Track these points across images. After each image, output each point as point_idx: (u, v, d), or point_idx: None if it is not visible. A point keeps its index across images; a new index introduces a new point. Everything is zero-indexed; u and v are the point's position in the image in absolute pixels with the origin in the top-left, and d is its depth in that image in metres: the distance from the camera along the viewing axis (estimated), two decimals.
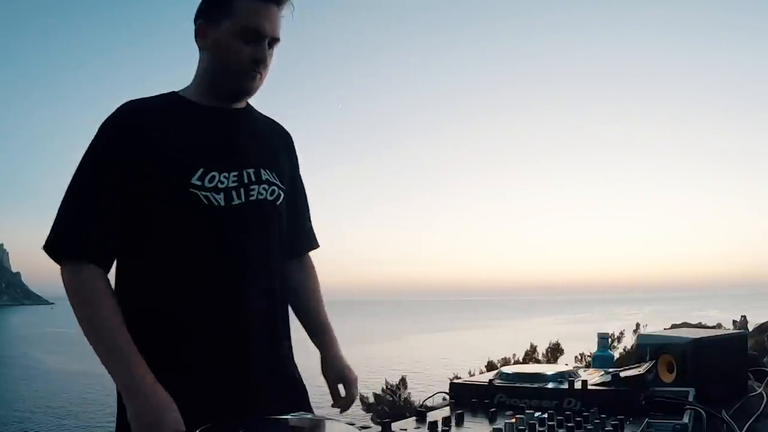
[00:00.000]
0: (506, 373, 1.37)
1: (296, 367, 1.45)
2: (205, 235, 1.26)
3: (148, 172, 1.24)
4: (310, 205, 1.60)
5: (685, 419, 1.14)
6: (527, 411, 1.08)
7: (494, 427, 0.97)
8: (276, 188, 1.38)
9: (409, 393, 8.08)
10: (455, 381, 1.39)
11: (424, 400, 1.79)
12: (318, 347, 1.51)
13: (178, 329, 1.25)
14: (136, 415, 1.13)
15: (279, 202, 1.39)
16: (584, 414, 1.06)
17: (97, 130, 1.29)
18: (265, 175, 1.36)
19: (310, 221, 1.58)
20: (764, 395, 1.52)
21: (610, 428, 0.98)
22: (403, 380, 8.18)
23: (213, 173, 1.27)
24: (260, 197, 1.33)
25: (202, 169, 1.25)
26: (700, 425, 1.20)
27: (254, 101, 1.45)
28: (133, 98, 1.34)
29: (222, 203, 1.27)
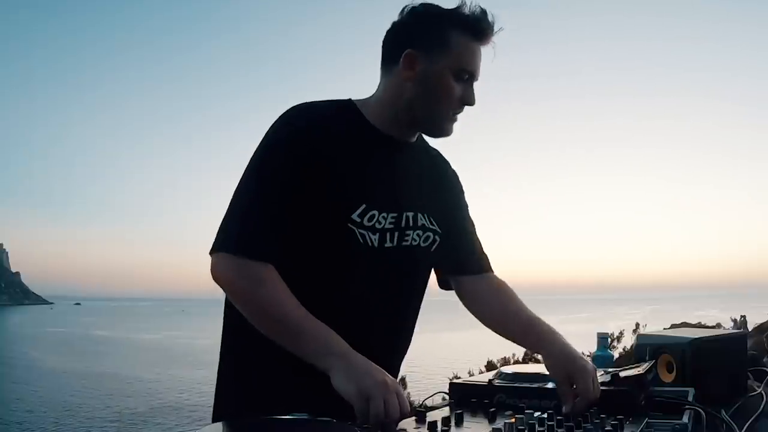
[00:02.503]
0: (506, 372, 1.37)
1: None
2: (349, 271, 1.23)
3: (313, 194, 1.19)
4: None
5: (685, 419, 1.14)
6: (527, 411, 1.08)
7: (494, 427, 0.97)
8: (431, 234, 1.34)
9: (409, 393, 8.10)
10: (455, 381, 1.38)
11: (424, 400, 1.79)
12: (535, 347, 1.33)
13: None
14: (344, 370, 1.07)
15: (433, 248, 1.35)
16: (584, 414, 1.06)
17: (270, 134, 1.23)
18: (422, 220, 1.31)
19: (481, 248, 1.50)
20: (764, 395, 1.52)
21: (610, 428, 0.98)
22: (402, 380, 8.19)
23: (373, 212, 1.23)
24: (414, 243, 1.30)
25: (364, 206, 1.21)
26: (700, 425, 1.20)
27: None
28: (302, 103, 1.28)
29: (375, 244, 1.23)
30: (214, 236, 1.20)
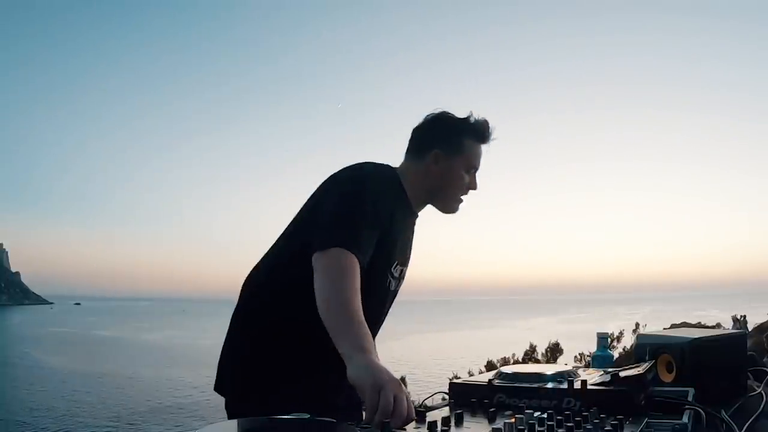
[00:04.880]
0: (506, 372, 1.37)
1: None
2: (374, 301, 1.59)
3: (378, 239, 1.52)
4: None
5: (685, 419, 1.14)
6: (527, 411, 1.08)
7: (494, 427, 0.97)
8: (402, 280, 1.77)
9: (409, 393, 8.08)
10: (455, 381, 1.39)
11: (424, 400, 1.79)
12: None
13: (303, 341, 1.53)
14: (360, 366, 1.20)
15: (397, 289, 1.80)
16: (584, 414, 1.06)
17: (359, 173, 1.60)
18: (404, 271, 1.77)
19: None
20: (764, 395, 1.52)
21: (610, 428, 0.98)
22: (402, 380, 8.19)
23: (398, 266, 1.69)
24: (398, 287, 1.76)
25: (397, 262, 1.68)
26: (700, 425, 1.20)
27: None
28: (371, 162, 1.68)
29: (392, 288, 1.71)
30: (322, 233, 1.44)
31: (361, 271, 1.41)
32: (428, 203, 1.75)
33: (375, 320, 1.62)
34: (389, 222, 1.57)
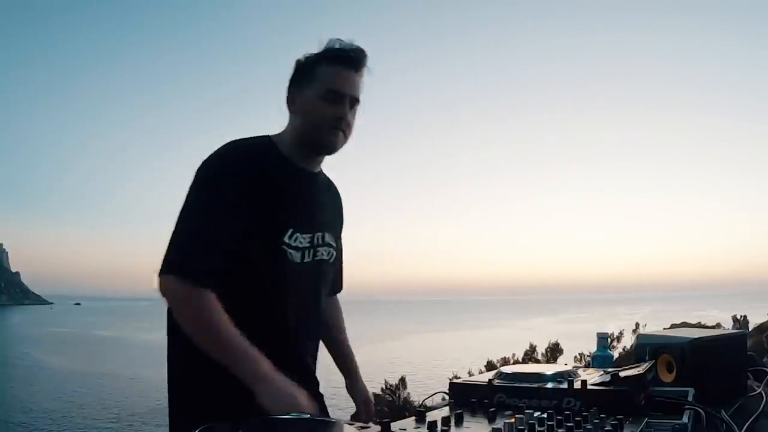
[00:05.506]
0: (505, 372, 1.37)
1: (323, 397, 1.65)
2: (278, 283, 1.47)
3: (247, 222, 1.40)
4: None
5: (685, 419, 1.14)
6: (527, 411, 1.08)
7: (493, 427, 0.97)
8: (332, 250, 1.62)
9: (409, 393, 8.09)
10: (455, 381, 1.39)
11: (424, 400, 1.79)
12: (345, 374, 1.80)
13: (258, 340, 1.38)
14: (271, 394, 1.22)
15: (332, 261, 1.63)
16: (584, 414, 1.06)
17: (211, 167, 1.44)
18: (327, 238, 1.59)
19: (341, 267, 1.81)
20: (763, 395, 1.52)
21: (610, 428, 0.98)
22: (402, 380, 8.18)
23: (297, 234, 1.49)
24: (322, 258, 1.57)
25: (291, 230, 1.47)
26: (700, 425, 1.20)
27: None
28: (232, 140, 1.49)
29: (297, 260, 1.49)
30: (163, 257, 1.36)
31: (218, 277, 1.34)
32: (313, 152, 1.55)
33: (298, 298, 1.50)
34: (256, 194, 1.41)
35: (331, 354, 1.80)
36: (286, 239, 1.46)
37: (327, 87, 1.47)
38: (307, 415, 1.02)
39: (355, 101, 1.52)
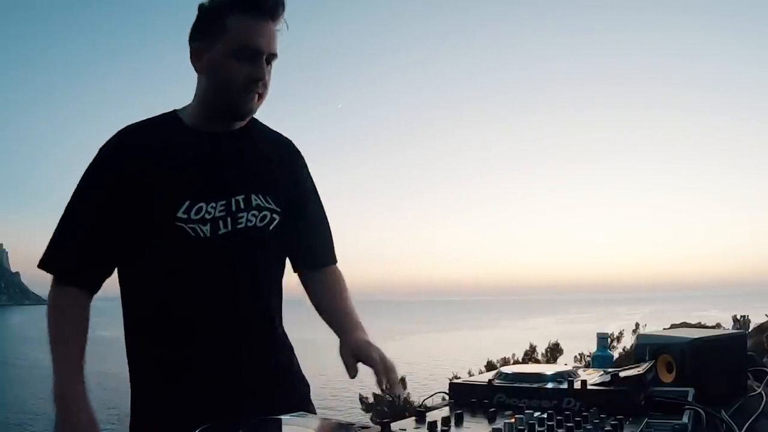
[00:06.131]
0: (505, 373, 1.37)
1: (298, 371, 1.48)
2: (189, 264, 1.28)
3: (136, 201, 1.27)
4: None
5: (685, 419, 1.14)
6: (526, 411, 1.08)
7: (493, 427, 0.97)
8: (268, 213, 1.36)
9: (409, 393, 8.07)
10: (455, 381, 1.38)
11: (424, 400, 1.79)
12: (337, 332, 1.42)
13: (169, 340, 1.31)
14: (58, 426, 1.22)
15: (272, 226, 1.37)
16: (583, 414, 1.06)
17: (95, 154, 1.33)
18: (255, 200, 1.34)
19: (324, 236, 1.54)
20: (763, 395, 1.52)
21: (610, 428, 0.98)
22: (402, 380, 8.16)
23: (200, 204, 1.27)
24: (249, 224, 1.32)
25: (188, 202, 1.26)
26: (700, 425, 1.20)
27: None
28: (135, 121, 1.36)
29: (208, 234, 1.27)
30: (45, 254, 1.32)
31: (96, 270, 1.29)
32: (224, 118, 1.35)
33: (213, 287, 1.29)
34: (135, 175, 1.26)
35: (327, 323, 1.47)
36: (180, 214, 1.25)
37: (239, 43, 1.25)
38: (309, 415, 1.02)
39: (272, 57, 1.30)
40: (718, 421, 1.24)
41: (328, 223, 1.55)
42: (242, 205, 1.32)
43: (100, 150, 1.32)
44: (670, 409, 1.24)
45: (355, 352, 1.34)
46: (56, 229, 1.31)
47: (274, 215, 1.37)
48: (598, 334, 1.97)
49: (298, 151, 1.50)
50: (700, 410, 1.24)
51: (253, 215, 1.33)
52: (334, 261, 1.54)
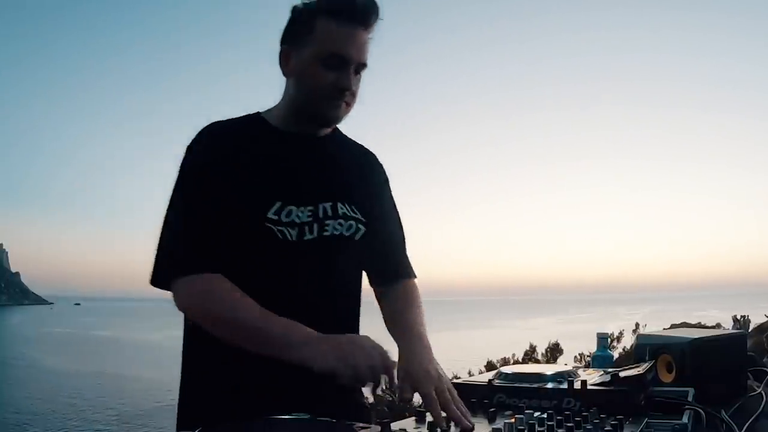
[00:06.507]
0: (505, 373, 1.37)
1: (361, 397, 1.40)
2: (274, 266, 1.26)
3: (228, 200, 1.23)
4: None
5: (685, 419, 1.14)
6: (526, 411, 1.08)
7: (494, 427, 0.97)
8: (354, 222, 1.35)
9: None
10: (454, 381, 1.38)
11: None
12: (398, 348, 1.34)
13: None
14: (329, 352, 1.06)
15: (358, 236, 1.35)
16: (583, 414, 1.06)
17: (187, 155, 1.29)
18: (342, 209, 1.33)
19: (401, 251, 1.51)
20: (763, 395, 1.52)
21: (610, 428, 0.98)
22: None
23: (290, 207, 1.25)
24: (335, 232, 1.31)
25: (279, 203, 1.25)
26: (700, 425, 1.20)
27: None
28: (218, 120, 1.33)
29: (294, 238, 1.25)
30: (154, 266, 1.25)
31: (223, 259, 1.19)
32: (310, 123, 1.33)
33: (304, 287, 1.27)
34: (230, 171, 1.24)
35: (392, 337, 1.37)
36: (271, 215, 1.23)
37: (327, 50, 1.22)
38: (307, 415, 1.02)
39: (361, 67, 1.27)
40: (718, 421, 1.24)
41: (404, 237, 1.53)
42: (329, 213, 1.31)
43: (192, 149, 1.29)
44: (670, 409, 1.24)
45: (414, 385, 1.17)
46: (177, 233, 1.24)
47: (360, 225, 1.36)
48: (598, 334, 1.97)
49: (381, 164, 1.51)
50: (700, 410, 1.24)
51: (340, 224, 1.32)
52: (408, 275, 1.51)
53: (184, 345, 1.35)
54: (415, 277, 1.52)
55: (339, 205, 1.33)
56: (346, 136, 1.46)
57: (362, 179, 1.42)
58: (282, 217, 1.24)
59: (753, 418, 1.31)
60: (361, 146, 1.49)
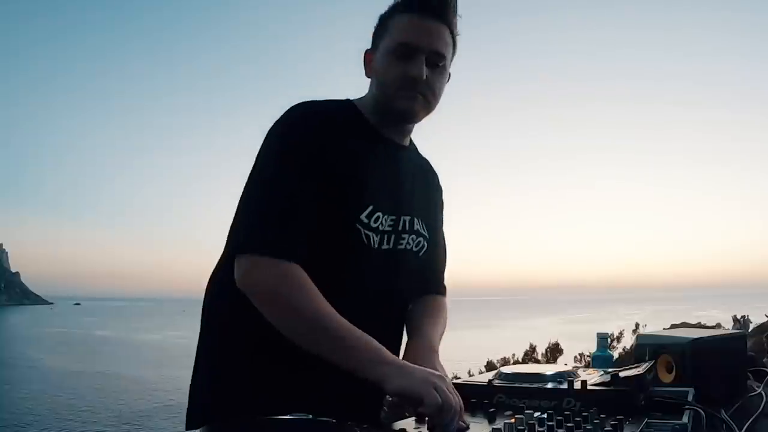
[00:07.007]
0: (505, 373, 1.36)
1: None
2: (348, 267, 1.24)
3: (328, 192, 1.20)
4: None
5: (685, 419, 1.14)
6: (527, 411, 1.08)
7: (494, 427, 0.97)
8: (422, 240, 1.37)
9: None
10: (454, 381, 1.38)
11: None
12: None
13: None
14: (407, 372, 1.06)
15: (422, 253, 1.38)
16: (583, 414, 1.06)
17: (282, 132, 1.23)
18: (416, 224, 1.35)
19: (441, 270, 1.53)
20: (764, 395, 1.52)
21: (610, 428, 0.98)
22: None
23: (378, 213, 1.25)
24: (407, 247, 1.33)
25: (371, 207, 1.24)
26: (700, 425, 1.20)
27: None
28: (306, 100, 1.28)
29: (375, 245, 1.25)
30: (237, 234, 1.18)
31: (304, 257, 1.14)
32: (391, 120, 1.32)
33: (366, 295, 1.26)
34: (333, 162, 1.21)
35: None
36: (363, 218, 1.22)
37: (397, 40, 1.23)
38: (308, 415, 1.01)
39: (435, 56, 1.24)
40: (718, 421, 1.24)
41: (446, 258, 1.55)
42: (407, 226, 1.32)
43: (294, 127, 1.23)
44: (670, 409, 1.24)
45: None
46: (267, 207, 1.16)
47: (425, 243, 1.38)
48: (598, 334, 1.97)
49: (441, 186, 1.54)
50: (700, 410, 1.24)
51: (412, 239, 1.33)
52: (438, 291, 1.52)
53: (207, 339, 1.31)
54: (445, 296, 1.53)
55: (416, 220, 1.35)
56: (417, 150, 1.47)
57: (431, 197, 1.46)
58: (371, 222, 1.24)
59: (753, 418, 1.31)
60: (430, 163, 1.51)
